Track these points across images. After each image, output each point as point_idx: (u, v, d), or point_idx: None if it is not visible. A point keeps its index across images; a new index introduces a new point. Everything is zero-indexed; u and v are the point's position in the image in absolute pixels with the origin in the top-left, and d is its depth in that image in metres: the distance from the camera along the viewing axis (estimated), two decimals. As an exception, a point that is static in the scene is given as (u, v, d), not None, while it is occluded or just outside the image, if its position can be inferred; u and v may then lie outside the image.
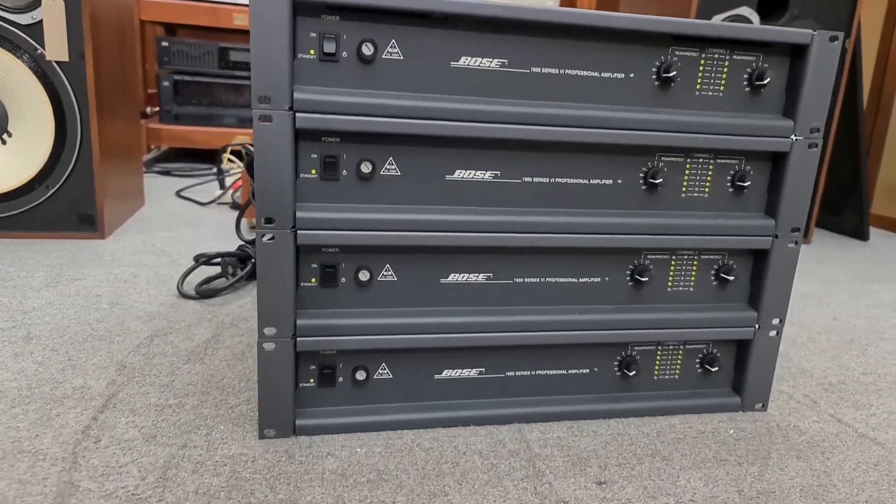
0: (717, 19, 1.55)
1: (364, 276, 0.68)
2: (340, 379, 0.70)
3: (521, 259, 0.71)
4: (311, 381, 0.70)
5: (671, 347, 0.78)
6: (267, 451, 0.65)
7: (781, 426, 0.78)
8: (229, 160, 1.90)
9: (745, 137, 0.71)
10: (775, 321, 0.78)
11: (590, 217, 0.71)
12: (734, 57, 0.71)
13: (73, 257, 1.21)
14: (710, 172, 0.74)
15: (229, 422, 0.70)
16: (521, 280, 0.72)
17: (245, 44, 2.23)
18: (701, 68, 0.70)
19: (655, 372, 0.79)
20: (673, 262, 0.76)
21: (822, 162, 1.77)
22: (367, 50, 0.62)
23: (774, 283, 0.76)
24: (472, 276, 0.71)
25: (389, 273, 0.69)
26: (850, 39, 1.68)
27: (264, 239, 0.63)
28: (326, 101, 0.61)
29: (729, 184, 0.75)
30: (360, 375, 0.70)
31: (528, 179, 0.70)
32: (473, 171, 0.68)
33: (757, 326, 0.78)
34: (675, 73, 0.68)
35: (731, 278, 0.76)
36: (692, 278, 0.77)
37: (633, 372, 0.76)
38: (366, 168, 0.65)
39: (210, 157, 2.21)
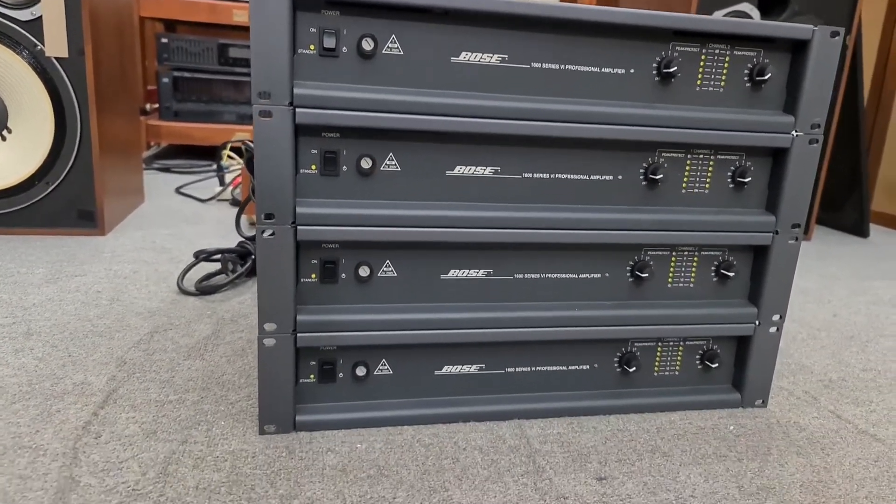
0: (718, 15, 1.55)
1: (364, 271, 0.68)
2: (340, 375, 0.70)
3: (521, 255, 0.71)
4: (312, 376, 0.70)
5: (671, 344, 0.78)
6: (267, 447, 0.65)
7: (781, 422, 0.78)
8: (229, 157, 1.90)
9: (746, 133, 0.71)
10: (775, 317, 0.78)
11: (590, 213, 0.70)
12: (735, 52, 0.70)
13: (73, 254, 1.21)
14: (710, 168, 0.74)
15: (229, 417, 0.70)
16: (521, 276, 0.72)
17: (244, 40, 2.22)
18: (702, 64, 0.70)
19: (655, 368, 0.79)
20: (673, 259, 0.76)
21: (823, 159, 1.77)
22: (367, 45, 0.62)
23: (775, 279, 0.76)
24: (472, 272, 0.71)
25: (389, 269, 0.69)
26: (851, 36, 1.67)
27: (264, 235, 0.63)
28: (326, 96, 0.61)
29: (729, 180, 0.75)
30: (361, 371, 0.70)
31: (529, 175, 0.69)
32: (474, 167, 0.68)
33: (757, 323, 0.78)
34: (675, 68, 0.68)
35: (731, 274, 0.76)
36: (692, 274, 0.77)
37: (634, 368, 0.76)
38: (366, 163, 0.65)
39: (210, 153, 2.21)
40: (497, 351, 0.73)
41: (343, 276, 0.68)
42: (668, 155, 0.72)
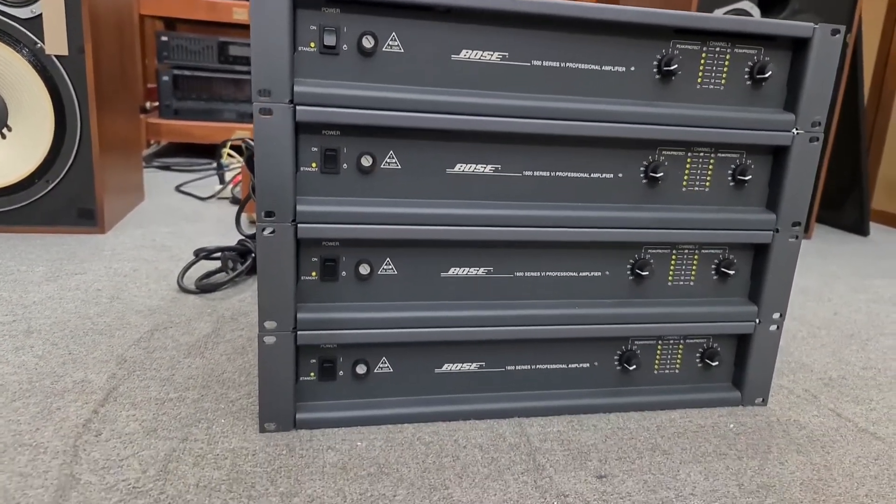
0: (719, 13, 1.55)
1: (364, 269, 0.68)
2: (341, 373, 0.70)
3: (521, 253, 0.71)
4: (312, 374, 0.70)
5: (671, 342, 0.78)
6: (267, 445, 0.65)
7: (781, 421, 0.78)
8: (229, 155, 1.90)
9: (747, 131, 0.71)
10: (776, 316, 0.78)
11: (590, 211, 0.70)
12: (735, 50, 0.70)
13: (73, 252, 1.21)
14: (711, 166, 0.74)
15: (230, 415, 0.70)
16: (521, 274, 0.72)
17: (244, 38, 2.22)
18: (702, 62, 0.70)
19: (656, 366, 0.79)
20: (673, 257, 0.75)
21: (823, 157, 1.77)
22: (368, 43, 0.62)
23: (775, 277, 0.76)
24: (472, 269, 0.71)
25: (390, 267, 0.69)
26: (851, 35, 1.67)
27: (265, 232, 0.63)
28: (327, 94, 0.61)
29: (730, 178, 0.75)
30: (361, 369, 0.70)
31: (529, 173, 0.69)
32: (474, 165, 0.68)
33: (757, 321, 0.78)
34: (676, 66, 0.68)
35: (731, 272, 0.76)
36: (693, 272, 0.77)
37: (634, 366, 0.76)
38: (366, 161, 0.65)
39: (210, 151, 2.21)
40: (497, 349, 0.74)
41: (343, 273, 0.68)
42: (668, 153, 0.72)
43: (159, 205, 1.64)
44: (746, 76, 0.72)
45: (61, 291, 1.01)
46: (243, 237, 1.20)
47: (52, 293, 1.00)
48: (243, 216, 1.51)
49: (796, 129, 0.72)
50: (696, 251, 0.76)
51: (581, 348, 0.76)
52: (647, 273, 0.74)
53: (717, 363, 0.79)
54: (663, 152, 0.72)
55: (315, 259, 0.67)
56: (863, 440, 0.75)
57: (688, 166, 0.73)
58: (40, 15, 1.21)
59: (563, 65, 0.67)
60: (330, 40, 0.61)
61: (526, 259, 0.72)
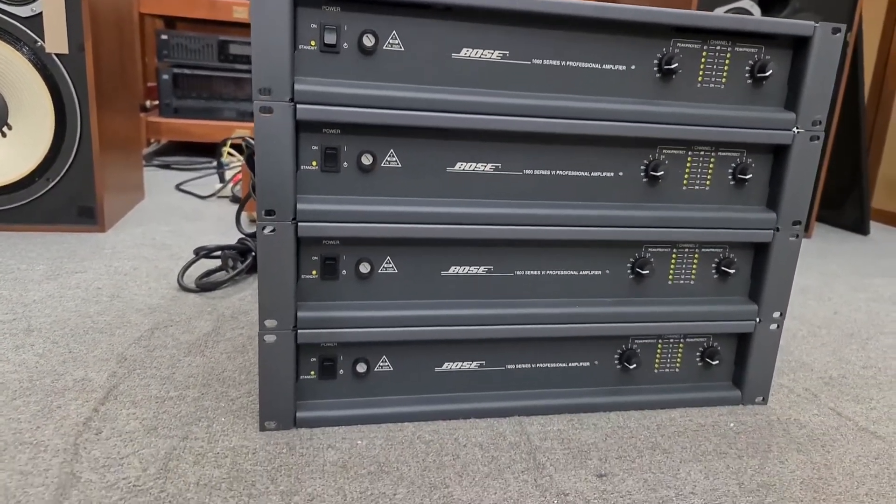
0: (719, 11, 1.54)
1: (365, 268, 0.68)
2: (341, 371, 0.70)
3: (521, 252, 0.71)
4: (312, 373, 0.70)
5: (672, 340, 0.78)
6: (268, 443, 0.65)
7: (782, 419, 0.78)
8: (229, 153, 1.89)
9: (747, 130, 0.71)
10: (776, 315, 0.78)
11: (591, 210, 0.70)
12: (736, 49, 0.70)
13: (74, 250, 1.21)
14: (711, 165, 0.74)
15: (230, 414, 0.70)
16: (521, 273, 0.72)
17: (244, 37, 2.22)
18: (703, 60, 0.70)
19: (656, 365, 0.79)
20: (674, 255, 0.75)
21: (823, 156, 1.77)
22: (368, 41, 0.62)
23: (775, 276, 0.76)
24: (472, 268, 0.71)
25: (390, 265, 0.69)
26: (852, 33, 1.67)
27: (265, 231, 0.63)
28: (327, 92, 0.61)
29: (730, 177, 0.74)
30: (361, 368, 0.70)
31: (529, 172, 0.69)
32: (474, 164, 0.68)
33: (757, 320, 0.78)
34: (676, 65, 0.68)
35: (731, 271, 0.76)
36: (693, 271, 0.77)
37: (634, 365, 0.76)
38: (367, 160, 0.65)
39: (210, 150, 2.21)
40: (497, 347, 0.74)
41: (344, 272, 0.68)
42: (668, 151, 0.72)
43: (159, 203, 1.64)
44: (747, 75, 0.72)
45: (61, 290, 1.01)
46: (243, 236, 1.20)
47: (52, 291, 1.00)
48: (243, 215, 1.50)
49: (797, 128, 0.72)
50: (697, 250, 0.76)
51: (581, 347, 0.76)
52: (647, 272, 0.74)
53: (717, 362, 0.79)
54: (664, 151, 0.72)
55: (315, 257, 0.67)
56: (863, 439, 0.75)
57: (688, 165, 0.73)
58: (40, 13, 1.21)
59: (563, 63, 0.67)
60: (330, 38, 0.61)
61: (526, 258, 0.72)
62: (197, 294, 1.04)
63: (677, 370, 0.79)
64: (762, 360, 0.79)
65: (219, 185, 1.80)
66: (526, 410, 0.74)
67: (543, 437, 0.70)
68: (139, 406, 0.70)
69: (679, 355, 0.79)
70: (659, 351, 0.78)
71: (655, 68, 0.69)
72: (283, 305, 0.65)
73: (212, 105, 2.23)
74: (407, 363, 0.72)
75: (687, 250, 0.76)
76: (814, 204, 1.79)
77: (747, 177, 0.73)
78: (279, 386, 0.67)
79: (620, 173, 0.72)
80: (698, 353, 0.79)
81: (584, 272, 0.74)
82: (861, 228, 1.94)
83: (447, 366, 0.73)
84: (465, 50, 0.65)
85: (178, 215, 1.53)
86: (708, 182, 0.74)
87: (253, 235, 1.18)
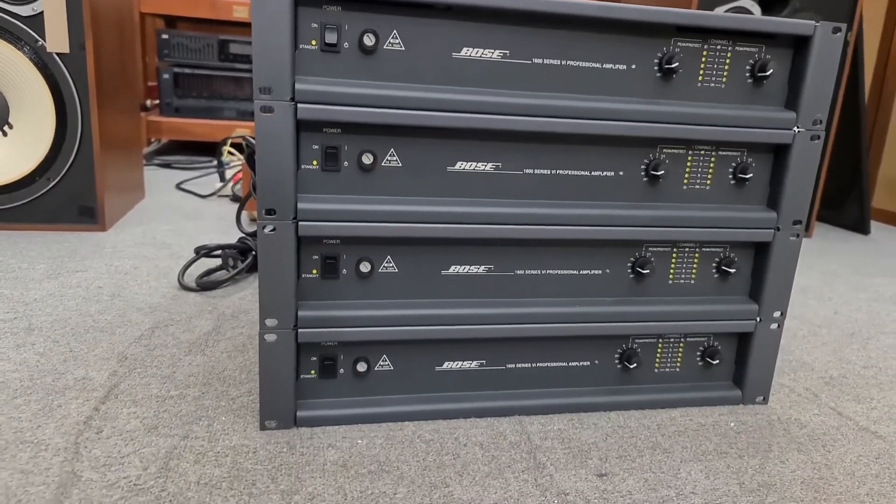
0: (720, 11, 1.54)
1: (365, 267, 0.68)
2: (341, 370, 0.70)
3: (522, 251, 0.71)
4: (313, 372, 0.70)
5: (672, 340, 0.78)
6: (268, 443, 0.65)
7: (782, 419, 0.78)
8: (229, 153, 1.89)
9: (748, 129, 0.71)
10: (776, 314, 0.78)
11: (591, 209, 0.70)
12: (737, 48, 0.70)
13: (74, 249, 1.21)
14: (711, 164, 0.74)
15: (230, 413, 0.70)
16: (521, 272, 0.72)
17: (245, 36, 2.22)
18: (703, 60, 0.70)
19: (656, 364, 0.79)
20: (674, 255, 0.75)
21: (824, 156, 1.77)
22: (369, 40, 0.62)
23: (776, 276, 0.76)
24: (472, 267, 0.71)
25: (390, 265, 0.69)
26: (852, 33, 1.67)
27: (266, 230, 0.63)
28: (328, 91, 0.61)
29: (731, 176, 0.74)
30: (361, 367, 0.70)
31: (530, 171, 0.69)
32: (475, 163, 0.68)
33: (758, 319, 0.78)
34: (677, 64, 0.68)
35: (732, 271, 0.76)
36: (693, 271, 0.77)
37: (634, 364, 0.76)
38: (367, 159, 0.65)
39: (210, 149, 2.21)
40: (498, 347, 0.74)
41: (344, 271, 0.68)
42: (669, 151, 0.72)
43: (160, 202, 1.64)
44: (747, 74, 0.71)
45: (62, 289, 1.02)
46: (244, 235, 1.20)
47: (52, 291, 1.01)
48: (244, 214, 1.51)
49: (797, 128, 0.72)
50: (697, 249, 0.76)
51: (581, 346, 0.76)
52: (647, 271, 0.74)
53: (717, 362, 0.79)
54: (664, 150, 0.72)
55: (316, 257, 0.67)
56: (864, 439, 0.75)
57: (689, 164, 0.73)
58: (41, 13, 1.21)
59: (563, 62, 0.67)
60: (331, 38, 0.61)
61: (526, 257, 0.72)
62: (197, 293, 1.04)
63: (678, 370, 0.79)
64: (763, 359, 0.79)
65: (219, 185, 1.80)
66: (526, 410, 0.74)
67: (544, 436, 0.70)
68: (140, 405, 0.70)
69: (679, 355, 0.79)
70: (659, 350, 0.78)
71: (656, 68, 0.69)
72: (283, 304, 0.65)
73: (212, 104, 2.23)
74: (407, 362, 0.72)
75: (687, 250, 0.76)
76: (814, 203, 1.79)
77: (748, 176, 0.73)
78: (280, 385, 0.67)
79: (621, 173, 0.72)
80: (699, 353, 0.79)
81: (585, 272, 0.74)
82: (861, 228, 1.94)
83: (447, 365, 0.73)
84: (465, 49, 0.65)
85: (178, 214, 1.53)
86: (708, 181, 0.74)
87: (253, 234, 1.18)
